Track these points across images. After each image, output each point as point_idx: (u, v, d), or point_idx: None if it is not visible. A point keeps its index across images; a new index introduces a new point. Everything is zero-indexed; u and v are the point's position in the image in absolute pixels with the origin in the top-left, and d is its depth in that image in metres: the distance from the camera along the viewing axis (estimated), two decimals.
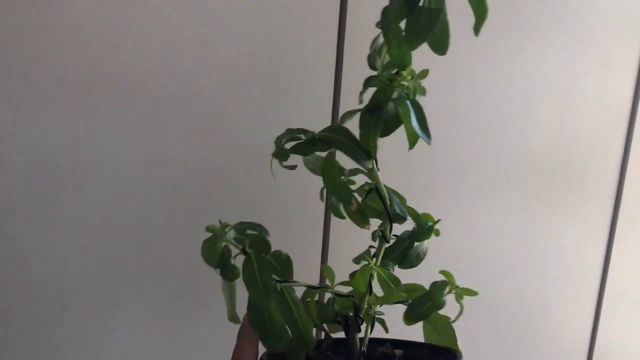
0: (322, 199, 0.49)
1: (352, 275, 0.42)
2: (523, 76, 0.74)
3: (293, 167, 0.44)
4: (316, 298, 0.44)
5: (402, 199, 0.49)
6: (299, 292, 0.41)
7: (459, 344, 0.45)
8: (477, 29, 0.40)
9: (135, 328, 0.65)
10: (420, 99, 0.45)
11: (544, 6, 0.73)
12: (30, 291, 0.60)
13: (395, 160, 0.67)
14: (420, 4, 0.39)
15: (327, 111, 0.67)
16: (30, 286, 0.60)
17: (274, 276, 0.37)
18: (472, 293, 0.55)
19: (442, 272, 0.53)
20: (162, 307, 0.66)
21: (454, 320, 0.52)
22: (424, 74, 0.43)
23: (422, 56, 0.44)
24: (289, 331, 0.37)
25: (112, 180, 0.61)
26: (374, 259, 0.41)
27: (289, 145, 0.42)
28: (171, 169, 0.63)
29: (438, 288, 0.51)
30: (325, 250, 0.69)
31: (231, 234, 0.35)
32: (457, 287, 0.53)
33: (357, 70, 0.68)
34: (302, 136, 0.42)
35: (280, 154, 0.41)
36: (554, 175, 0.78)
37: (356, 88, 0.65)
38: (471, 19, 0.40)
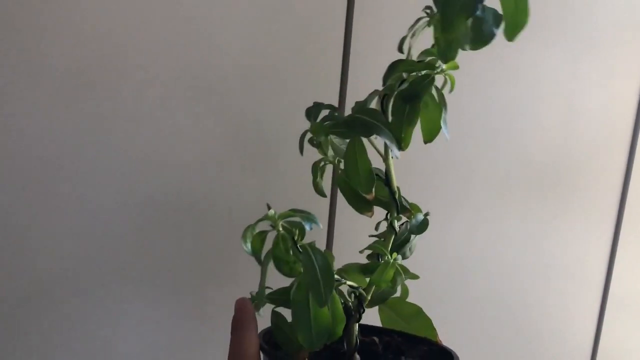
0: (314, 176, 0.46)
1: (364, 267, 0.41)
2: (527, 78, 0.73)
3: (319, 145, 0.40)
4: None
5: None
6: None
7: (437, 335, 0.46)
8: (510, 34, 0.40)
9: (135, 323, 0.62)
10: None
11: (549, 8, 0.72)
12: (29, 287, 0.58)
13: (397, 161, 0.67)
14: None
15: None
16: (30, 282, 0.58)
17: None
18: (412, 276, 0.57)
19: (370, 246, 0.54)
20: (162, 303, 0.62)
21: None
22: (454, 66, 0.42)
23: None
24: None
25: (113, 176, 0.59)
26: (394, 254, 0.40)
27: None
28: (174, 165, 0.60)
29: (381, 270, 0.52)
30: (330, 242, 0.67)
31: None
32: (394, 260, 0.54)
33: (364, 66, 0.66)
34: (335, 114, 0.38)
35: (318, 130, 0.37)
36: (558, 178, 0.77)
37: (363, 84, 0.64)
38: None
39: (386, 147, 0.42)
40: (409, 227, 0.45)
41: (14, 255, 0.57)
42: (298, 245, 0.32)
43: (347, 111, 0.66)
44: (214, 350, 0.63)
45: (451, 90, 0.41)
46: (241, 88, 0.61)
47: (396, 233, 0.43)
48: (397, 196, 0.43)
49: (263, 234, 0.33)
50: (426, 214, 0.47)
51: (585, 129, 0.77)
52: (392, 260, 0.39)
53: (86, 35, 0.55)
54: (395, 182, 0.43)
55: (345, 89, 0.63)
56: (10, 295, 0.58)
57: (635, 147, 0.80)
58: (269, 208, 0.32)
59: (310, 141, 0.38)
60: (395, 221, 0.43)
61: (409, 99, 0.40)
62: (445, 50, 0.41)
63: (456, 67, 0.41)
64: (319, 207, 0.66)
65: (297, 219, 0.33)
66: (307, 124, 0.41)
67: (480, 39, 0.37)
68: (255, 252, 0.32)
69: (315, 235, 0.68)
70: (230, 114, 0.61)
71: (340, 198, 0.68)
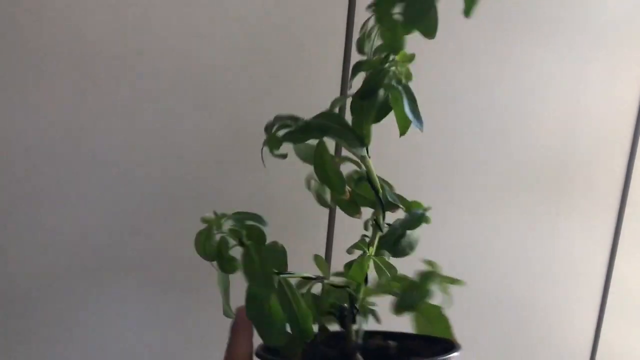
0: (308, 188, 0.47)
1: (348, 265, 0.41)
2: (529, 76, 0.73)
3: (284, 156, 0.43)
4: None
5: (390, 187, 0.48)
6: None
7: (454, 335, 0.44)
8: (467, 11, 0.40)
9: (130, 321, 0.63)
10: (411, 85, 0.44)
11: (551, 6, 0.72)
12: (25, 284, 0.59)
13: (400, 161, 0.67)
14: None
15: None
16: (25, 280, 0.59)
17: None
18: (457, 282, 0.55)
19: (426, 261, 0.53)
20: (157, 300, 0.64)
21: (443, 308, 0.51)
22: (410, 57, 0.42)
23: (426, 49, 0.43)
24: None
25: (110, 174, 0.60)
26: (370, 248, 0.40)
27: (281, 133, 0.40)
28: (171, 163, 0.61)
29: (425, 277, 0.51)
30: (329, 243, 0.68)
31: (228, 224, 0.34)
32: (440, 276, 0.53)
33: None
34: (292, 123, 0.40)
35: (272, 143, 0.39)
36: (559, 176, 0.77)
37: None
38: (478, 14, 0.39)
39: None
40: (405, 222, 0.45)
41: (9, 253, 0.58)
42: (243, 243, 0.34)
43: (347, 110, 0.68)
44: (208, 346, 0.64)
45: (406, 80, 0.40)
46: (243, 83, 0.62)
47: (381, 230, 0.42)
48: (380, 194, 0.43)
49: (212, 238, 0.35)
50: (424, 209, 0.46)
51: (587, 128, 0.77)
52: (368, 255, 0.39)
53: (86, 32, 0.56)
54: (377, 180, 0.43)
55: (346, 84, 0.64)
56: (5, 292, 0.59)
57: (637, 147, 0.79)
58: (215, 214, 0.35)
59: (272, 153, 0.40)
60: (380, 218, 0.43)
61: (365, 96, 0.41)
62: (390, 41, 0.41)
63: (409, 59, 0.41)
64: (319, 207, 0.69)
65: (248, 220, 0.35)
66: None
67: (413, 19, 0.37)
68: (207, 255, 0.34)
69: (315, 237, 0.68)
70: (229, 113, 0.62)
71: None
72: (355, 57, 0.60)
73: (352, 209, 0.45)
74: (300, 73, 0.64)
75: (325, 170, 0.41)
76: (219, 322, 0.66)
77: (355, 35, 0.67)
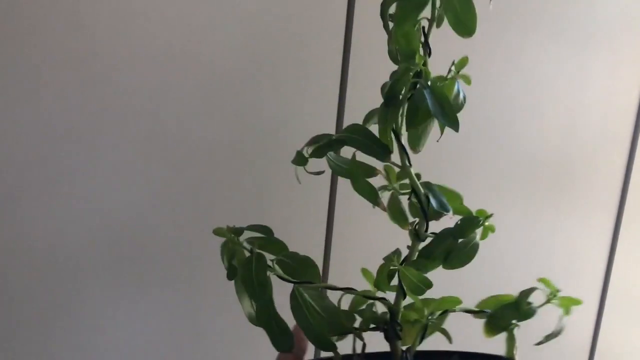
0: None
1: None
2: (530, 72, 0.73)
3: (320, 173, 0.44)
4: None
5: (456, 197, 0.45)
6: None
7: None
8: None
9: (130, 321, 0.65)
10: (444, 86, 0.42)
11: (552, 3, 0.72)
12: (22, 280, 0.60)
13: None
14: None
15: (333, 108, 0.67)
16: (22, 276, 0.60)
17: (287, 277, 0.37)
18: (576, 302, 0.49)
19: (541, 279, 0.48)
20: (157, 299, 0.66)
21: (552, 337, 0.46)
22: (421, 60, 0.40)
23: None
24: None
25: (108, 173, 0.61)
26: (396, 257, 0.38)
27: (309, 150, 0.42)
28: (173, 164, 0.63)
29: (524, 297, 0.46)
30: (327, 248, 0.67)
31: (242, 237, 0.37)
32: (556, 296, 0.47)
33: (364, 64, 0.66)
34: (321, 140, 0.42)
35: (299, 160, 0.41)
36: (559, 174, 0.77)
37: (363, 81, 0.64)
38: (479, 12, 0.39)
39: (402, 156, 0.42)
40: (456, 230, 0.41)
41: (9, 253, 0.59)
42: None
43: (348, 107, 0.66)
44: (211, 349, 0.64)
45: (426, 82, 0.39)
46: (243, 84, 0.63)
47: (420, 239, 0.40)
48: (424, 202, 0.41)
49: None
50: (485, 217, 0.42)
51: (587, 125, 0.77)
52: (392, 262, 0.37)
53: (88, 30, 0.57)
54: (419, 187, 0.41)
55: (345, 85, 0.63)
56: (5, 292, 0.60)
57: (636, 144, 0.79)
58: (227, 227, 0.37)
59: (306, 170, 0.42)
60: (422, 227, 0.40)
61: (389, 102, 0.40)
62: (405, 47, 0.40)
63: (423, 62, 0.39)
64: (317, 214, 0.66)
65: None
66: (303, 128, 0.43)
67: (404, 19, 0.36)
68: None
69: (314, 242, 0.67)
70: (228, 112, 0.63)
71: (338, 206, 0.67)
72: (355, 54, 0.60)
73: (401, 220, 0.43)
74: (299, 72, 0.64)
75: (357, 183, 0.41)
76: (218, 322, 0.66)
77: (355, 32, 0.66)
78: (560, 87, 0.75)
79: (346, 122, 0.67)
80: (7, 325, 0.61)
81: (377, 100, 0.41)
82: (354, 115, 0.67)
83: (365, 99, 0.68)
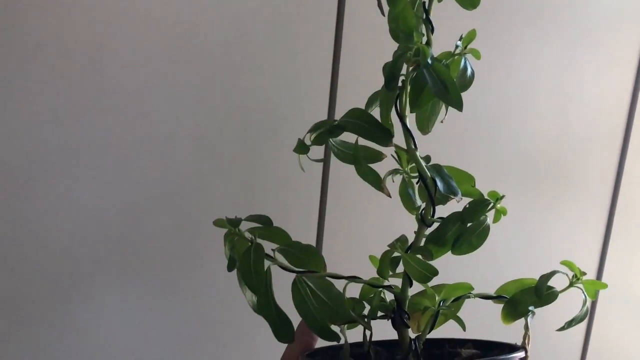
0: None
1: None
2: (522, 70, 0.73)
3: (321, 160, 0.43)
4: None
5: (468, 179, 0.43)
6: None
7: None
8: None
9: (129, 321, 0.65)
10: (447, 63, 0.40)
11: (546, 1, 0.72)
12: (19, 281, 0.61)
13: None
14: None
15: (324, 103, 0.66)
16: (19, 276, 0.61)
17: (290, 266, 0.37)
18: (601, 286, 0.46)
19: (564, 262, 0.46)
20: (156, 300, 0.66)
21: (576, 323, 0.44)
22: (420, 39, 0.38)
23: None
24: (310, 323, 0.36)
25: (106, 172, 0.61)
26: (399, 244, 0.37)
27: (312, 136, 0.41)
28: (165, 156, 0.63)
29: (544, 280, 0.44)
30: (320, 239, 0.66)
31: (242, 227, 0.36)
32: (581, 279, 0.45)
33: (355, 56, 0.65)
34: (321, 126, 0.41)
35: (301, 148, 0.41)
36: (551, 170, 0.78)
37: (354, 74, 0.61)
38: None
39: (407, 139, 0.40)
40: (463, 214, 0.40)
41: (8, 252, 0.59)
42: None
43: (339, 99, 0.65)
44: (211, 348, 0.63)
45: (423, 61, 0.37)
46: (235, 77, 0.62)
47: (426, 224, 0.38)
48: (430, 186, 0.39)
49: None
50: (497, 198, 0.40)
51: (580, 121, 0.78)
52: (395, 249, 0.36)
53: (86, 29, 0.57)
54: (426, 170, 0.40)
55: (336, 78, 0.62)
56: (5, 292, 0.60)
57: (629, 140, 0.80)
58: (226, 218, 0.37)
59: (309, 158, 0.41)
60: (428, 212, 0.39)
61: (388, 85, 0.39)
62: (403, 26, 0.38)
63: (421, 43, 0.37)
64: (309, 203, 0.66)
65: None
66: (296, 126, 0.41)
67: None
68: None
69: (306, 231, 0.67)
70: (220, 109, 0.62)
71: (330, 194, 0.65)
72: (346, 47, 0.58)
73: (409, 205, 0.42)
74: (290, 67, 0.63)
75: (361, 168, 0.40)
76: (218, 322, 0.66)
77: (346, 26, 0.64)
78: (553, 85, 0.75)
79: (338, 110, 0.66)
80: (7, 325, 0.61)
81: (368, 94, 0.41)
82: (348, 102, 0.66)
83: (356, 92, 0.67)
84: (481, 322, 0.45)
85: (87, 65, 0.58)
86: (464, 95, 0.39)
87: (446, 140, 0.69)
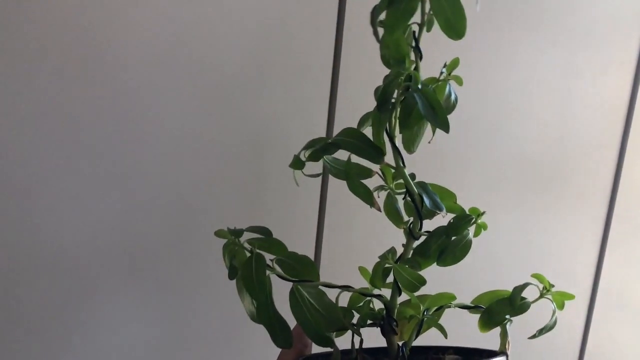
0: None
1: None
2: (521, 72, 0.74)
3: (317, 175, 0.46)
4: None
5: (450, 196, 0.46)
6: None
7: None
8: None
9: (129, 321, 0.66)
10: (434, 88, 0.43)
11: (544, 2, 0.73)
12: (20, 283, 0.61)
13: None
14: None
15: (324, 110, 0.68)
16: (21, 278, 0.61)
17: (284, 275, 0.38)
18: (568, 297, 0.50)
19: (534, 275, 0.49)
20: (156, 299, 0.67)
21: (546, 331, 0.47)
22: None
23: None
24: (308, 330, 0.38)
25: (107, 174, 0.62)
26: (391, 256, 0.40)
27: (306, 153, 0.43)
28: (166, 162, 0.64)
29: (518, 292, 0.47)
30: (318, 249, 0.69)
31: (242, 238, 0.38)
32: (550, 291, 0.48)
33: (355, 66, 0.67)
34: (316, 144, 0.43)
35: (296, 164, 0.43)
36: (550, 173, 0.78)
37: (353, 84, 0.64)
38: (473, 13, 0.40)
39: (396, 157, 0.43)
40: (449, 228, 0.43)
41: (8, 252, 0.60)
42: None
43: (338, 110, 0.67)
44: (210, 348, 0.65)
45: (416, 86, 0.40)
46: (234, 85, 0.63)
47: (414, 237, 0.41)
48: (417, 202, 0.42)
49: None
50: (477, 214, 0.44)
51: (579, 123, 0.78)
52: (386, 260, 0.39)
53: (92, 34, 0.58)
54: (414, 187, 0.42)
55: (335, 88, 0.64)
56: (4, 292, 0.61)
57: (627, 143, 0.80)
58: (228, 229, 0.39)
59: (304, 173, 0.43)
60: (416, 226, 0.42)
61: (380, 107, 0.41)
62: (395, 52, 0.41)
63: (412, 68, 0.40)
64: (308, 210, 0.68)
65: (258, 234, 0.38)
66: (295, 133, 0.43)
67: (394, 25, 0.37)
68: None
69: (304, 240, 0.69)
70: (222, 115, 0.64)
71: (330, 200, 0.68)
72: (345, 57, 0.59)
73: (396, 219, 0.45)
74: (290, 75, 0.65)
75: (352, 184, 0.43)
76: (218, 321, 0.66)
77: (346, 32, 0.67)
78: (551, 88, 0.76)
79: (337, 124, 0.68)
80: (7, 325, 0.62)
81: (367, 101, 0.43)
82: (345, 118, 0.68)
83: (355, 101, 0.69)
84: (464, 330, 0.47)
85: (91, 66, 0.59)
86: (463, 94, 0.41)
87: (444, 147, 0.72)
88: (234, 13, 0.63)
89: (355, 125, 0.44)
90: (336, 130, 0.68)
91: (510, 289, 0.46)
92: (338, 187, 0.69)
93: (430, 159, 0.71)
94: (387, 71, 0.42)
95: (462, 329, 0.46)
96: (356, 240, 0.71)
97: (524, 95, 0.75)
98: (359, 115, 0.44)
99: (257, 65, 0.65)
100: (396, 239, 0.44)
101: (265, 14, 0.64)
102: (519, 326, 0.46)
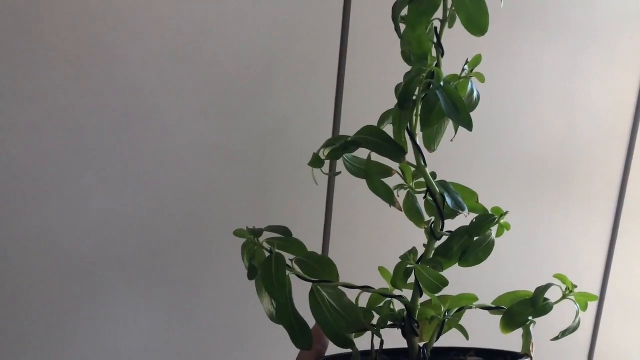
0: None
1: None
2: (526, 71, 0.74)
3: (336, 174, 0.45)
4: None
5: (471, 195, 0.45)
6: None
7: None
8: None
9: (129, 321, 0.66)
10: (455, 85, 0.43)
11: (551, 3, 0.72)
12: (24, 285, 0.61)
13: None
14: None
15: (330, 110, 0.67)
16: (25, 280, 0.61)
17: (305, 276, 0.38)
18: (591, 297, 0.49)
19: (557, 275, 0.48)
20: (156, 300, 0.67)
21: (569, 332, 0.46)
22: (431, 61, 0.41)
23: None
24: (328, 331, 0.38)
25: (108, 174, 0.62)
26: (412, 256, 0.39)
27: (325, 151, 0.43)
28: (173, 163, 0.64)
29: (540, 293, 0.46)
30: (325, 245, 0.68)
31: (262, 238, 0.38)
32: (572, 291, 0.48)
33: (360, 65, 0.67)
34: (336, 142, 0.43)
35: (315, 162, 0.42)
36: (557, 172, 0.77)
37: (359, 83, 0.63)
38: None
39: (417, 156, 0.42)
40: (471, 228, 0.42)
41: (8, 253, 0.60)
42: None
43: (344, 108, 0.67)
44: (211, 348, 0.64)
45: (438, 83, 0.39)
46: (240, 83, 0.63)
47: (435, 237, 0.41)
48: (439, 201, 0.41)
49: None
50: (501, 214, 0.43)
51: (585, 122, 0.77)
52: (408, 260, 0.38)
53: (93, 34, 0.58)
54: (435, 186, 0.42)
55: (341, 87, 0.63)
56: (4, 292, 0.60)
57: (635, 141, 0.79)
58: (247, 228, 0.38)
59: (322, 172, 0.42)
60: (438, 226, 0.41)
61: (402, 104, 0.41)
62: (417, 49, 0.40)
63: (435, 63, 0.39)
64: (315, 208, 0.67)
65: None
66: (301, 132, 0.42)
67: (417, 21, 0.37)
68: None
69: (312, 237, 0.67)
70: (227, 113, 0.64)
71: (337, 199, 0.67)
72: (351, 56, 0.59)
73: (417, 219, 0.44)
74: (296, 72, 0.65)
75: (372, 182, 0.42)
76: (218, 322, 0.66)
77: (352, 33, 0.67)
78: (558, 87, 0.75)
79: (343, 125, 0.68)
80: (7, 325, 0.62)
81: (373, 102, 0.42)
82: (351, 118, 0.68)
83: (361, 102, 0.68)
84: (484, 331, 0.47)
85: (96, 66, 0.59)
86: None
87: (452, 146, 0.71)
88: (240, 14, 0.63)
89: (361, 126, 0.43)
90: (342, 131, 0.68)
91: (519, 289, 0.45)
92: (344, 188, 0.68)
93: (438, 159, 0.71)
94: (391, 71, 0.42)
95: (482, 329, 0.45)
96: (362, 241, 0.70)
97: (531, 95, 0.74)
98: (364, 116, 0.44)
99: (264, 66, 0.65)
100: (402, 239, 0.43)
101: (271, 15, 0.63)
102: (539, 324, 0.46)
